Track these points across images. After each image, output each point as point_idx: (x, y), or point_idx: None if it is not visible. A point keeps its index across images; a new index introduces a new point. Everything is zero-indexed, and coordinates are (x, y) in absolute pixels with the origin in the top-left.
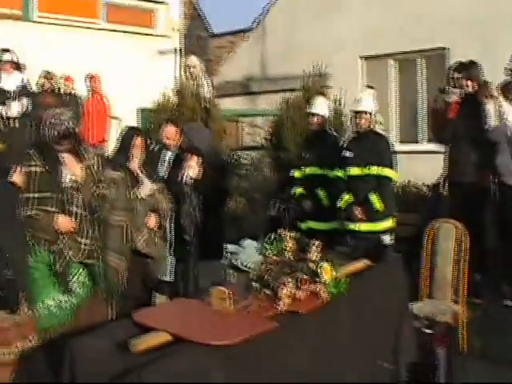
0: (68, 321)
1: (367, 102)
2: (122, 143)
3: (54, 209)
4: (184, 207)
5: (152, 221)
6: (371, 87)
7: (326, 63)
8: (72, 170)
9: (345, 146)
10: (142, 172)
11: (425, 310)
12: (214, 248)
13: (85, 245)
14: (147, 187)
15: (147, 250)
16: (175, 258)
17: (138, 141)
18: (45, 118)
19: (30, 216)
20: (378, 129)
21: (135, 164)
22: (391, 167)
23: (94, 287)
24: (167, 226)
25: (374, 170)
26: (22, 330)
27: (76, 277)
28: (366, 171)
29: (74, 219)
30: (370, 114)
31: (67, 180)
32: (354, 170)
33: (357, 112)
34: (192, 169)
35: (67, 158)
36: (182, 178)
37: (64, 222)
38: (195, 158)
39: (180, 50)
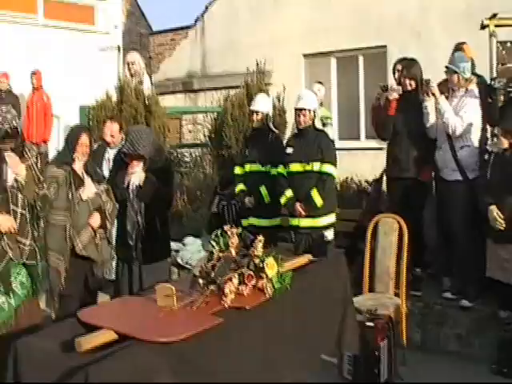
0: (8, 322)
1: (307, 99)
2: (67, 141)
3: None
4: (127, 212)
5: (96, 220)
6: (320, 83)
7: (267, 61)
8: (15, 170)
9: (287, 142)
10: (86, 172)
11: (366, 304)
12: (160, 250)
13: (26, 245)
14: (90, 189)
15: (86, 253)
16: (120, 260)
17: (84, 139)
18: None
19: None
20: (319, 124)
21: (80, 164)
22: (332, 163)
23: (34, 288)
24: (111, 227)
25: (315, 166)
26: None
27: (16, 277)
28: (306, 167)
29: (15, 219)
30: (311, 110)
31: (10, 179)
32: (295, 167)
33: (298, 109)
34: (136, 176)
35: (10, 156)
36: (127, 184)
37: (5, 222)
38: (139, 163)
39: (119, 46)
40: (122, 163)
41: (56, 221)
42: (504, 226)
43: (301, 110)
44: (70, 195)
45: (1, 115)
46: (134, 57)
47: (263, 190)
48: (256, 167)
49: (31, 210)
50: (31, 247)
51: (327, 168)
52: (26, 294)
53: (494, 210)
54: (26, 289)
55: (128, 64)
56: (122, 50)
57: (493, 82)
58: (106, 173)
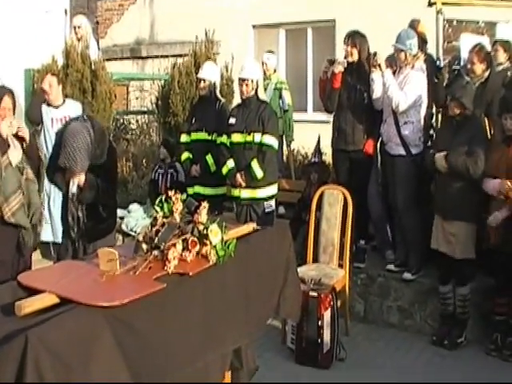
0: None
1: (250, 69)
2: None
3: None
4: (68, 205)
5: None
6: (271, 52)
7: (216, 30)
8: None
9: (230, 113)
10: (15, 137)
11: (310, 274)
12: (105, 229)
13: None
14: (18, 153)
15: (14, 220)
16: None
17: (6, 101)
18: None
19: None
20: (263, 95)
21: (4, 126)
22: (273, 135)
23: None
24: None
25: (256, 137)
26: None
27: None
28: (247, 138)
29: None
30: (253, 80)
31: None
32: (237, 137)
33: (241, 79)
34: (75, 183)
35: None
36: (66, 190)
37: None
38: (78, 175)
39: (66, 10)
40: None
41: None
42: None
43: (243, 79)
44: None
45: None
46: (81, 20)
47: (209, 158)
48: (202, 135)
49: None
50: None
51: (267, 139)
52: None
53: (440, 155)
54: None
55: (74, 28)
56: (68, 13)
57: (438, 62)
58: (52, 132)
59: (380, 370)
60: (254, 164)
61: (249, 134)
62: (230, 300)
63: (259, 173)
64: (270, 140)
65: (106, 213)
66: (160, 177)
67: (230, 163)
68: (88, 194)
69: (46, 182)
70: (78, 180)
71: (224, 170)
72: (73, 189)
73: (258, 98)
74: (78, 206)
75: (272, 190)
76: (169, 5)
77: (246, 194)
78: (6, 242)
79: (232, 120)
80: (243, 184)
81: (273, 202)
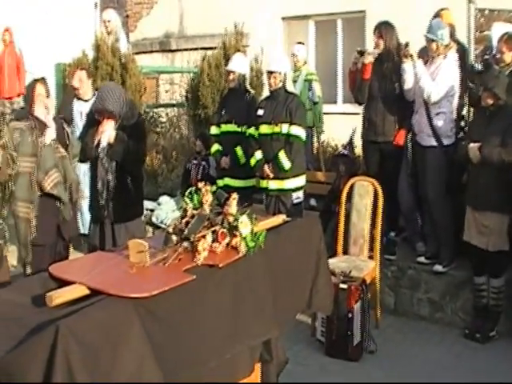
0: None
1: (278, 61)
2: (27, 95)
3: None
4: (97, 171)
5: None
6: (301, 43)
7: (245, 23)
8: None
9: (258, 104)
10: (48, 117)
11: (340, 266)
12: (133, 209)
13: None
14: (53, 132)
15: (55, 191)
16: (92, 219)
17: (39, 88)
18: None
19: None
20: (291, 87)
21: (41, 109)
22: (301, 126)
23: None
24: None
25: (284, 128)
26: None
27: None
28: (275, 129)
29: None
30: (281, 73)
31: None
32: (264, 128)
33: (269, 72)
34: (106, 134)
35: None
36: (97, 143)
37: None
38: (110, 122)
39: (96, 3)
40: (93, 122)
41: (22, 168)
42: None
43: (271, 72)
44: (34, 140)
45: None
46: (111, 14)
47: (239, 150)
48: (231, 127)
49: (3, 190)
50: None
51: (295, 130)
52: None
53: (474, 146)
54: None
55: (104, 22)
56: (98, 7)
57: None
58: (81, 125)
59: (410, 363)
60: (282, 155)
61: (276, 125)
62: (259, 292)
63: (286, 164)
64: (298, 131)
65: (133, 187)
66: (193, 168)
67: (258, 154)
68: (118, 147)
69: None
70: (109, 136)
71: (252, 162)
72: (103, 143)
73: (286, 89)
74: (108, 167)
75: (300, 181)
76: None
77: (273, 185)
78: (47, 221)
79: (260, 111)
80: (271, 175)
81: (301, 194)
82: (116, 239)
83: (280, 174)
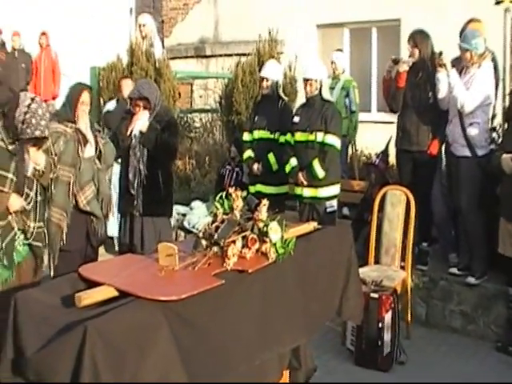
0: (10, 278)
1: (314, 69)
2: (69, 98)
3: (9, 190)
4: (129, 161)
5: None
6: (340, 50)
7: (280, 30)
8: (35, 160)
9: (295, 111)
10: (88, 130)
11: (372, 275)
12: (162, 204)
13: (33, 228)
14: (92, 149)
15: (89, 208)
16: (121, 213)
17: (85, 96)
18: (23, 109)
19: None
20: (327, 95)
21: (84, 122)
22: (336, 135)
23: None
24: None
25: (318, 136)
26: None
27: (20, 234)
28: (310, 137)
29: (27, 202)
30: (317, 80)
31: (30, 169)
32: (299, 136)
33: (305, 79)
34: (140, 122)
35: (31, 148)
36: (130, 131)
37: (15, 202)
38: (144, 112)
39: (131, 9)
40: (128, 112)
41: (62, 176)
42: None
43: (307, 79)
44: (75, 152)
45: (36, 119)
46: (146, 19)
47: (271, 157)
48: (264, 134)
49: (43, 193)
50: (39, 229)
51: (329, 139)
52: (27, 252)
53: (507, 157)
54: (27, 246)
55: (139, 26)
56: (134, 12)
57: None
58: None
59: (441, 375)
60: (316, 163)
61: (311, 132)
62: (288, 298)
63: (320, 172)
64: (332, 140)
65: (163, 184)
66: (226, 174)
67: (293, 161)
68: (150, 135)
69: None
70: (142, 124)
71: (287, 168)
72: (136, 131)
73: (322, 97)
74: (140, 156)
75: (334, 189)
76: (233, 4)
77: (307, 192)
78: (78, 230)
79: (296, 119)
80: (305, 182)
81: (334, 202)
82: (144, 234)
83: (314, 181)
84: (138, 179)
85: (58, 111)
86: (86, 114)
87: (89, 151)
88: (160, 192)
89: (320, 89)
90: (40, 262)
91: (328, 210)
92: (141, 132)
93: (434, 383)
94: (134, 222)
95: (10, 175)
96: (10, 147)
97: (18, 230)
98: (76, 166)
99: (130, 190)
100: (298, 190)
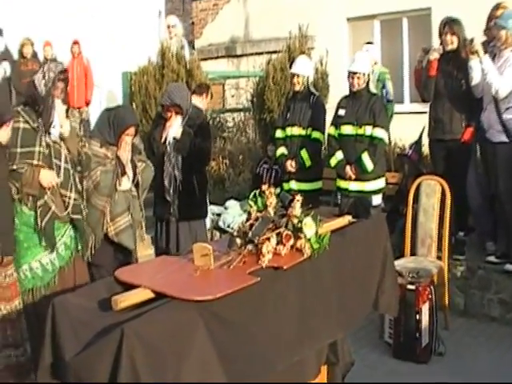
0: (52, 282)
1: (361, 62)
2: (113, 123)
3: (38, 162)
4: (164, 167)
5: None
6: (371, 43)
7: (310, 25)
8: (61, 121)
9: (338, 104)
10: (128, 163)
11: (408, 267)
12: (197, 208)
13: (70, 198)
14: (129, 182)
15: (117, 239)
16: (157, 218)
17: (131, 131)
18: (40, 72)
19: (14, 170)
20: (373, 88)
21: (125, 153)
22: (384, 128)
23: (78, 248)
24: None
25: (367, 130)
26: (5, 291)
27: (60, 238)
28: (358, 131)
29: (58, 173)
30: (365, 74)
31: (56, 129)
32: (347, 129)
33: (351, 72)
34: (173, 129)
35: (59, 105)
36: (164, 138)
37: (47, 176)
38: (177, 117)
39: (160, 11)
40: (161, 119)
41: (96, 203)
42: None
43: (355, 73)
44: (114, 182)
45: (53, 66)
46: (175, 20)
47: (304, 153)
48: (297, 130)
49: (74, 166)
50: (76, 201)
51: (378, 132)
52: (70, 255)
53: None
54: (70, 250)
55: (168, 27)
56: (163, 15)
57: None
58: None
59: (481, 366)
60: (365, 157)
61: (360, 126)
62: (324, 293)
63: (370, 166)
64: (381, 133)
65: (199, 187)
66: (264, 172)
67: (339, 155)
68: (184, 141)
69: None
70: (176, 130)
71: (333, 162)
72: (170, 137)
73: (369, 90)
74: (175, 162)
75: (380, 183)
76: (262, 2)
77: (354, 186)
78: (106, 251)
79: (341, 112)
80: (353, 176)
81: (379, 196)
82: (180, 238)
83: (362, 175)
84: (174, 185)
85: (98, 130)
86: (129, 145)
87: (125, 184)
88: (195, 196)
89: (367, 82)
90: (83, 244)
91: (374, 204)
92: (175, 138)
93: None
94: (169, 227)
95: (37, 148)
96: (34, 125)
97: (56, 211)
98: (111, 197)
99: (166, 197)
100: (344, 184)
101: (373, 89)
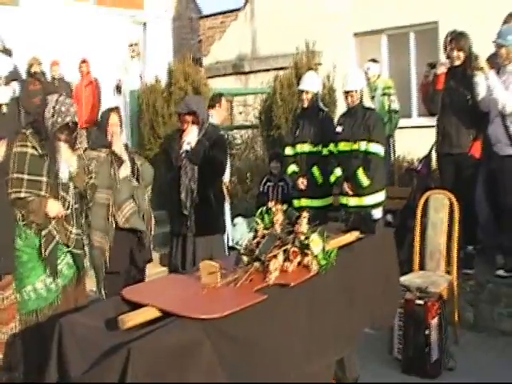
0: (56, 302)
1: (353, 80)
2: (101, 124)
3: (46, 194)
4: (181, 180)
5: None
6: (375, 61)
7: (317, 41)
8: (68, 161)
9: (338, 121)
10: (123, 151)
11: (417, 282)
12: (214, 222)
13: (72, 233)
14: (128, 168)
15: (127, 224)
16: (174, 233)
17: (113, 118)
18: (51, 105)
19: (21, 198)
20: (368, 102)
21: (118, 144)
22: (379, 142)
23: (79, 270)
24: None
25: (362, 145)
26: (2, 314)
27: (63, 259)
28: (353, 146)
29: (64, 206)
30: (357, 91)
31: (64, 171)
32: (343, 145)
33: (346, 92)
34: (189, 137)
35: (64, 147)
36: (180, 149)
37: (54, 207)
38: (193, 127)
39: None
40: (179, 132)
41: (99, 198)
42: None
43: (348, 92)
44: (111, 174)
45: (66, 106)
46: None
47: (316, 170)
48: (307, 147)
49: (80, 200)
50: (78, 236)
51: (373, 147)
52: (73, 275)
53: None
54: (73, 269)
55: (131, 45)
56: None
57: None
58: None
59: (491, 381)
60: (360, 173)
61: (354, 142)
62: (332, 310)
63: (365, 181)
64: (376, 148)
65: (215, 201)
66: (270, 190)
67: (338, 171)
68: (198, 149)
69: None
70: (191, 140)
71: (332, 179)
72: (185, 145)
73: (363, 105)
74: (191, 175)
75: (379, 196)
76: (269, 19)
77: (353, 201)
78: (121, 251)
79: (339, 128)
80: (350, 192)
81: (379, 210)
82: (196, 253)
83: (359, 190)
84: (191, 198)
85: (95, 141)
86: (118, 135)
87: (124, 171)
88: (212, 210)
89: (361, 98)
90: (83, 273)
91: (374, 217)
92: (189, 148)
93: None
94: (186, 242)
95: (45, 178)
96: (42, 152)
97: (59, 241)
98: (112, 187)
99: (183, 211)
100: (344, 200)
101: (368, 103)
